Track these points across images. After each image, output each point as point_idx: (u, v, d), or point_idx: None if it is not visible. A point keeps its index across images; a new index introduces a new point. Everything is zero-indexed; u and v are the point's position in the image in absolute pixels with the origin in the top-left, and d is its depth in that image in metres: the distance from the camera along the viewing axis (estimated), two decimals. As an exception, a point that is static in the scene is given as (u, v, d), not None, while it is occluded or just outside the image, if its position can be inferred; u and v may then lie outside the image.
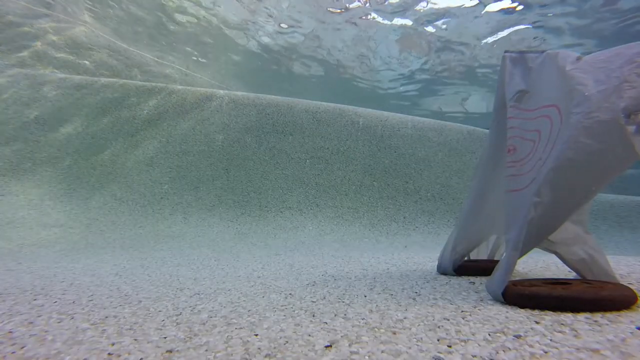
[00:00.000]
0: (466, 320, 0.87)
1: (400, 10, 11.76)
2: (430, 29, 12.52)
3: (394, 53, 14.01)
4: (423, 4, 11.40)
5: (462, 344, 0.72)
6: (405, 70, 15.19)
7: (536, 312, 0.92)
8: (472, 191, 1.55)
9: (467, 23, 11.87)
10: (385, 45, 13.60)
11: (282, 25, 12.77)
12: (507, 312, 0.93)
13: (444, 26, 12.32)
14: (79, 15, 10.45)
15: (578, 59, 1.08)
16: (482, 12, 11.32)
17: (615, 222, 4.41)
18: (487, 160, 1.48)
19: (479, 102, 17.14)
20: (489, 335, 0.76)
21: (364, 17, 12.20)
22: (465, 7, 11.17)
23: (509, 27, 11.76)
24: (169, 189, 4.94)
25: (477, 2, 10.86)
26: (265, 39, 13.74)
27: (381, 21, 12.32)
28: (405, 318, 0.91)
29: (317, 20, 12.37)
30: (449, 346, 0.71)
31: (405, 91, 16.96)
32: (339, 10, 12.01)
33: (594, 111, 0.95)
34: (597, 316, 0.86)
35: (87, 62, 9.31)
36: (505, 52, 1.36)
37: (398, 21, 12.38)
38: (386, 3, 11.41)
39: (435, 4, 11.33)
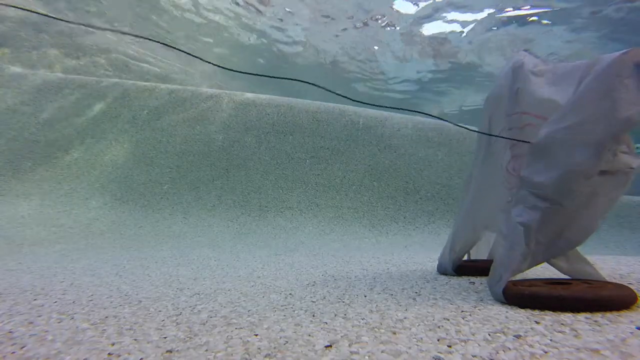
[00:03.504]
0: (466, 320, 0.87)
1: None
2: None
3: (399, 53, 14.03)
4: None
5: (462, 344, 0.72)
6: (409, 71, 15.21)
7: (536, 312, 0.92)
8: (467, 190, 1.56)
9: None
10: (391, 47, 13.63)
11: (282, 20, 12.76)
12: (507, 312, 0.93)
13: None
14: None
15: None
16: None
17: (615, 222, 4.41)
18: (481, 159, 1.48)
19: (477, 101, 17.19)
20: (489, 335, 0.76)
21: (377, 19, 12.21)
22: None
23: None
24: (169, 189, 4.94)
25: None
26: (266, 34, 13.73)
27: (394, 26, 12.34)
28: (405, 318, 0.91)
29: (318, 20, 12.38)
30: (449, 346, 0.71)
31: (408, 91, 17.00)
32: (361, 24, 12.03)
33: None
34: (597, 316, 0.86)
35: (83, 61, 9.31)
36: (524, 50, 1.34)
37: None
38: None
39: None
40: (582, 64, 1.09)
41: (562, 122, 1.03)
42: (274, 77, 0.96)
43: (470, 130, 1.36)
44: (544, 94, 1.17)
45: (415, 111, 1.01)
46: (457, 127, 5.72)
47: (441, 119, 1.14)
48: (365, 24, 12.55)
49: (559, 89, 1.15)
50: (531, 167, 1.08)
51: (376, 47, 13.81)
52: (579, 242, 1.05)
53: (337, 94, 0.97)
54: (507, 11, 11.02)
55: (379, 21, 12.25)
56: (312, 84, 1.04)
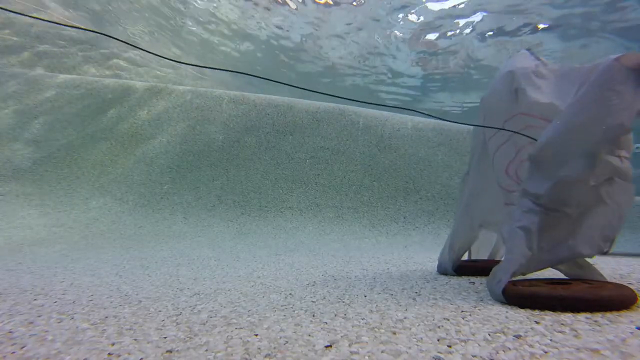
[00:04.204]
0: (466, 320, 0.87)
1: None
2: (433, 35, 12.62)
3: (402, 53, 14.07)
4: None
5: (462, 344, 0.72)
6: (410, 70, 15.23)
7: (536, 312, 0.92)
8: (464, 189, 1.56)
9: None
10: (395, 46, 13.67)
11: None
12: (507, 312, 0.93)
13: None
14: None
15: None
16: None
17: (615, 222, 4.39)
18: (476, 158, 1.48)
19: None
20: (489, 335, 0.76)
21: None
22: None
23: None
24: (169, 189, 4.94)
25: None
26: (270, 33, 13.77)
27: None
28: (405, 318, 0.91)
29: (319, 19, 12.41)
30: (449, 346, 0.71)
31: (407, 89, 17.03)
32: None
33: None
34: (597, 316, 0.86)
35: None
36: (526, 49, 1.33)
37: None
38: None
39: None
40: (583, 68, 1.09)
41: (558, 130, 1.03)
42: (288, 85, 0.96)
43: (473, 125, 1.36)
44: (545, 98, 1.16)
45: (415, 110, 1.01)
46: (457, 126, 5.72)
47: (440, 118, 1.14)
48: (371, 24, 12.58)
49: (560, 93, 1.14)
50: (530, 177, 1.08)
51: (379, 46, 13.84)
52: (587, 254, 1.03)
53: (339, 96, 0.98)
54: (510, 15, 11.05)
55: (384, 21, 12.29)
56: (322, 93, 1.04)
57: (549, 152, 1.03)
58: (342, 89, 17.30)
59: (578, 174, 0.98)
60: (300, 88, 0.97)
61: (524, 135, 1.23)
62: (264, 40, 14.30)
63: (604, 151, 0.96)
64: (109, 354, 0.73)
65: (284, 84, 0.96)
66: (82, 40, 9.86)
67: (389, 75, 16.12)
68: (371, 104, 1.00)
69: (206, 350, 0.73)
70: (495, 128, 1.35)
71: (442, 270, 1.60)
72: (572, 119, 1.00)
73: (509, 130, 1.28)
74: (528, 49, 1.32)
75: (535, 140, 1.19)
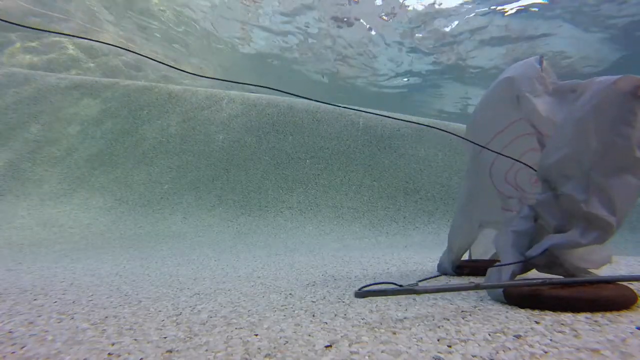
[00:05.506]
0: (466, 320, 0.87)
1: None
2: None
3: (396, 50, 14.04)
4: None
5: (462, 344, 0.72)
6: (406, 67, 15.20)
7: (536, 312, 0.92)
8: (462, 189, 1.57)
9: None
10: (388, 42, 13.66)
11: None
12: (507, 312, 0.93)
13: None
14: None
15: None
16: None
17: (615, 222, 4.39)
18: (473, 158, 1.49)
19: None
20: (489, 335, 0.76)
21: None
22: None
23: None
24: (169, 189, 4.94)
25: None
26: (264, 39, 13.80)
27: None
28: (405, 318, 0.91)
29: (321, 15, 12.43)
30: (449, 346, 0.71)
31: (405, 87, 17.00)
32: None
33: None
34: (597, 316, 0.86)
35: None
36: (539, 56, 1.31)
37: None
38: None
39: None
40: (580, 85, 1.08)
41: (553, 148, 1.03)
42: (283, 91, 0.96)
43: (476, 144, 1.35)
44: (546, 108, 1.15)
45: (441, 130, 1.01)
46: (457, 126, 5.72)
47: (466, 139, 1.15)
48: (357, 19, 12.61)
49: (558, 106, 1.14)
50: (540, 189, 1.10)
51: (373, 41, 13.84)
52: (580, 270, 1.04)
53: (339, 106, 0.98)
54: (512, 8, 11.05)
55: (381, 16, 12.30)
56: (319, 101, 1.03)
57: (550, 170, 1.03)
58: (339, 87, 17.28)
59: (572, 191, 0.99)
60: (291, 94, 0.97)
61: (505, 155, 1.25)
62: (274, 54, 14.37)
63: (597, 174, 0.96)
64: (109, 354, 0.73)
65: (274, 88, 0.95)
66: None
67: (383, 68, 16.05)
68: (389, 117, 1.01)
69: (206, 350, 0.73)
70: (483, 146, 1.35)
71: (442, 270, 1.60)
72: (566, 138, 1.00)
73: (492, 151, 1.29)
74: (541, 56, 1.29)
75: (516, 159, 1.21)
